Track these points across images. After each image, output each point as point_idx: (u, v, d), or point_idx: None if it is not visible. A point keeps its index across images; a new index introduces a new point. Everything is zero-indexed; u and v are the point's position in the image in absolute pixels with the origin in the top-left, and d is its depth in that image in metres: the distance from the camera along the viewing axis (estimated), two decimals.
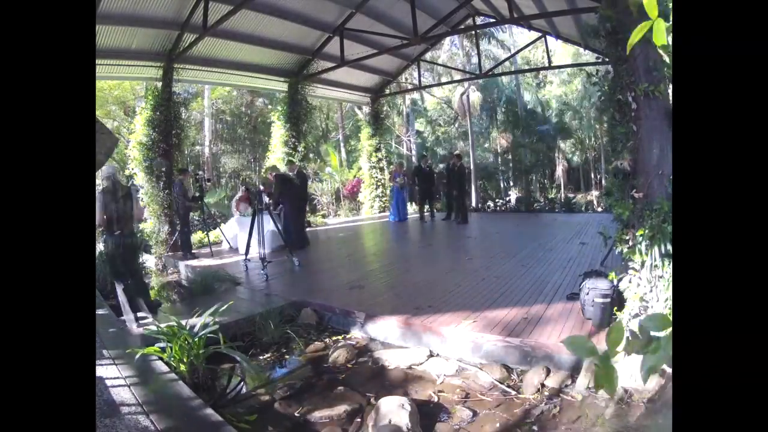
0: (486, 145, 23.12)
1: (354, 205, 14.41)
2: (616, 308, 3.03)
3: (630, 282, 2.90)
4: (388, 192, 13.09)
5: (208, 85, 14.97)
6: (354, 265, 6.41)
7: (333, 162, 15.62)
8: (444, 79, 18.30)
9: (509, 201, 16.53)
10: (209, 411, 2.37)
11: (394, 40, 9.20)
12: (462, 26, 11.69)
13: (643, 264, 2.78)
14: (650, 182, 2.94)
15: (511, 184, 22.72)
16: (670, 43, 0.91)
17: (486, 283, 4.60)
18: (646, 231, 2.75)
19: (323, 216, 13.31)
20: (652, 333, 0.90)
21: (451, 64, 17.38)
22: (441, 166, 23.21)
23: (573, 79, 20.80)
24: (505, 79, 19.52)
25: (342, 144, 20.13)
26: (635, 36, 0.90)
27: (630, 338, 0.92)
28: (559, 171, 23.26)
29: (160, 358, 3.03)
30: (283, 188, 7.31)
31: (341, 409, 2.67)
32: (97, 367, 2.86)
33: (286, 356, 3.65)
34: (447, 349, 3.36)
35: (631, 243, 2.92)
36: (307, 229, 8.64)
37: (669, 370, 2.21)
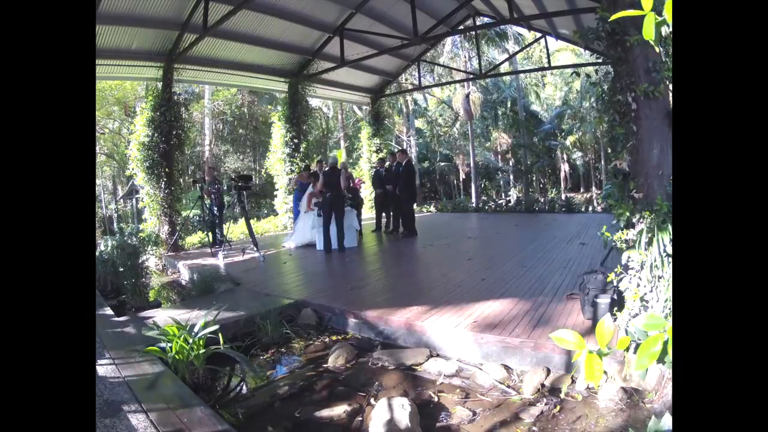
0: (487, 145, 23.16)
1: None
2: (616, 308, 3.03)
3: (630, 282, 2.89)
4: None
5: (208, 85, 14.97)
6: (354, 265, 6.41)
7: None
8: (445, 79, 18.29)
9: (509, 200, 16.54)
10: (209, 411, 2.37)
11: (394, 41, 9.20)
12: (462, 26, 11.69)
13: (642, 264, 2.78)
14: (650, 182, 2.94)
15: (512, 184, 22.74)
16: (663, 37, 0.92)
17: (486, 284, 4.60)
18: (646, 231, 2.75)
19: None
20: (648, 333, 0.91)
21: (453, 64, 17.37)
22: (442, 165, 23.12)
23: (574, 80, 20.82)
24: (506, 79, 19.55)
25: (342, 144, 20.14)
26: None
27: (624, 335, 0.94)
28: (560, 171, 23.27)
29: (160, 358, 3.03)
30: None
31: (341, 409, 2.67)
32: (97, 367, 2.86)
33: (286, 356, 3.65)
34: (447, 349, 3.36)
35: (630, 243, 2.92)
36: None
37: (668, 369, 2.21)
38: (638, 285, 2.82)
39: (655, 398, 2.48)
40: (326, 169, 7.31)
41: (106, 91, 14.52)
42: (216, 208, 7.96)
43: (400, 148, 10.23)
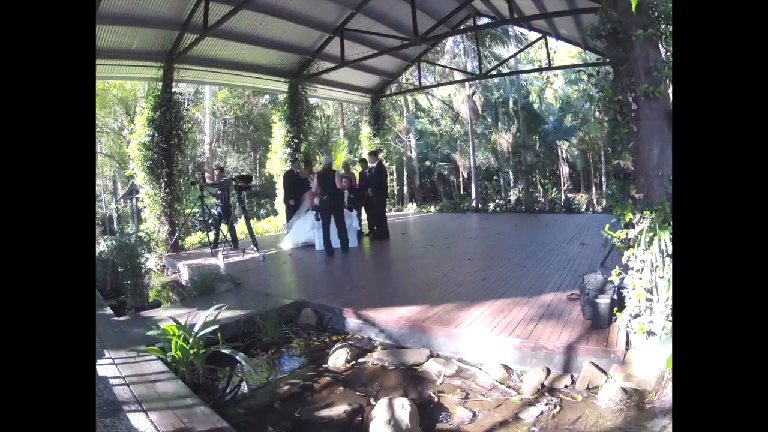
0: (489, 146, 23.16)
1: None
2: (616, 308, 3.03)
3: (630, 282, 2.89)
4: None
5: (208, 85, 14.97)
6: (354, 265, 6.41)
7: (338, 162, 15.66)
8: (447, 79, 18.28)
9: (509, 201, 16.54)
10: (209, 411, 2.37)
11: (395, 41, 9.20)
12: (462, 26, 11.69)
13: (643, 264, 2.78)
14: (650, 183, 2.94)
15: (512, 184, 22.74)
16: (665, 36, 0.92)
17: (486, 283, 4.60)
18: (646, 231, 2.75)
19: None
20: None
21: (454, 64, 17.37)
22: (442, 165, 23.06)
23: (575, 77, 20.81)
24: (507, 79, 19.55)
25: (341, 143, 20.14)
26: None
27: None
28: (560, 171, 23.26)
29: (160, 358, 3.03)
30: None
31: (341, 409, 2.67)
32: (97, 367, 2.86)
33: (286, 356, 3.65)
34: (447, 349, 3.36)
35: (631, 243, 2.92)
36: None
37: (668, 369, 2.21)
38: (638, 285, 2.82)
39: (655, 398, 2.48)
40: (320, 170, 7.11)
41: (107, 91, 14.53)
42: (221, 208, 7.94)
43: (373, 150, 10.17)
